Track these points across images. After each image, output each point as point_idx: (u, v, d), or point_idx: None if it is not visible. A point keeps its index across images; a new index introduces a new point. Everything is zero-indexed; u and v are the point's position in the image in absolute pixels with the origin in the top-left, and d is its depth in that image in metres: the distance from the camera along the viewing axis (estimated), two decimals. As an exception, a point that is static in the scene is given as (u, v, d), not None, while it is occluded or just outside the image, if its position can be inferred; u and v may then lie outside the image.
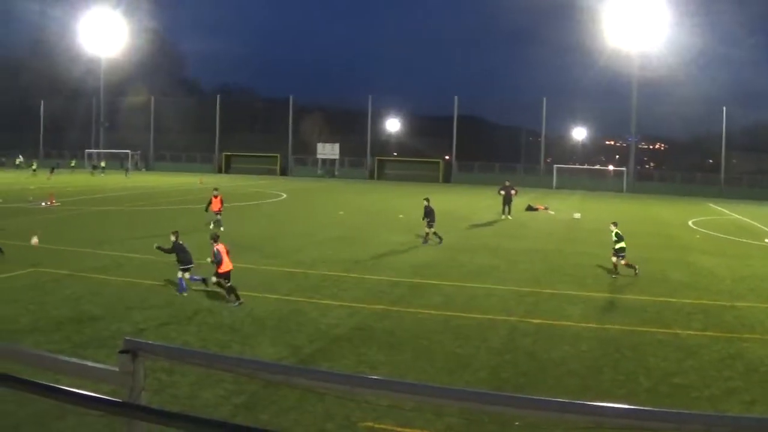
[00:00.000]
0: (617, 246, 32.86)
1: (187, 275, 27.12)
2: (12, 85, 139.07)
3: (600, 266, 35.47)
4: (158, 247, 28.19)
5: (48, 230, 40.75)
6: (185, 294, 26.50)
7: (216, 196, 44.89)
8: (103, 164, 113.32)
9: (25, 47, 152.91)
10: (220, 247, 25.75)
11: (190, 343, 20.23)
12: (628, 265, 33.04)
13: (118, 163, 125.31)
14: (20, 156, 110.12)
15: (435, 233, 41.47)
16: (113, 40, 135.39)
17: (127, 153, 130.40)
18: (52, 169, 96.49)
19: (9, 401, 14.10)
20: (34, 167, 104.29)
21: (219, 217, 44.45)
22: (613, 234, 33.19)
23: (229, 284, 25.51)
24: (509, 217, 57.33)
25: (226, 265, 25.67)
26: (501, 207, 58.59)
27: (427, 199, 43.04)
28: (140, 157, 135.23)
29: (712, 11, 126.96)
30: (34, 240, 35.47)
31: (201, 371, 14.88)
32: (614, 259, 32.98)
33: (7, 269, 27.50)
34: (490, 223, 54.40)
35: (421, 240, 41.75)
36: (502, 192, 58.71)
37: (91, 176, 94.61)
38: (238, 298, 25.15)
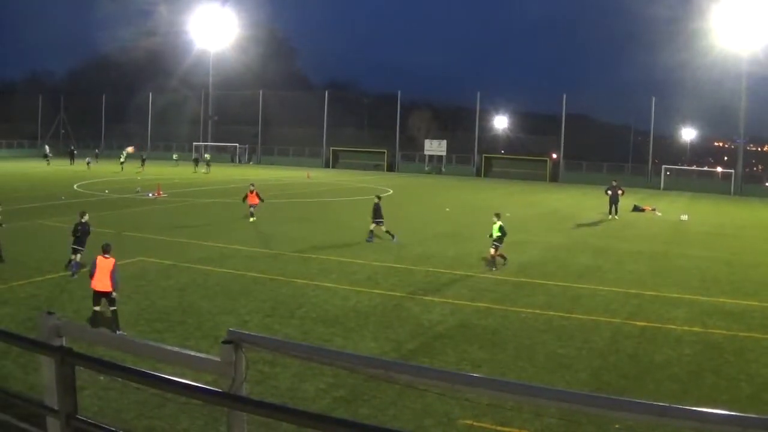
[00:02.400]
0: (495, 236, 32.90)
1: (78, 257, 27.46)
2: (122, 79, 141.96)
3: (706, 269, 34.94)
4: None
5: (154, 221, 41.51)
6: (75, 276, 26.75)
7: (252, 191, 46.14)
8: (207, 156, 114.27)
9: (137, 42, 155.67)
10: (100, 259, 20.94)
11: (292, 336, 20.42)
12: (501, 256, 33.08)
13: (227, 156, 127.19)
14: (125, 151, 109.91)
15: (387, 231, 40.33)
16: (223, 34, 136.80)
17: (235, 146, 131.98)
18: (142, 161, 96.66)
19: (112, 388, 14.42)
20: (175, 157, 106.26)
21: (252, 209, 45.57)
22: (496, 227, 33.06)
23: (94, 308, 21.03)
24: (616, 217, 56.71)
25: (95, 282, 20.85)
26: (608, 207, 57.98)
27: (378, 197, 42.26)
28: (248, 151, 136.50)
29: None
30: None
31: (302, 364, 15.01)
32: (492, 250, 32.91)
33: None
34: (596, 223, 53.86)
35: (375, 239, 41.19)
36: (609, 192, 58.07)
37: (193, 172, 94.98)
38: (115, 326, 20.44)
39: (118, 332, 19.41)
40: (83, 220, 28.35)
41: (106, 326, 19.74)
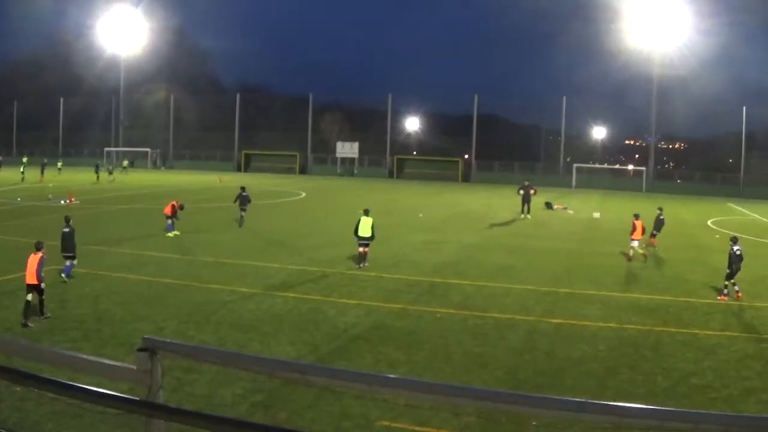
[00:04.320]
0: (365, 236, 33.16)
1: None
2: (32, 85, 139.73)
3: (619, 266, 35.45)
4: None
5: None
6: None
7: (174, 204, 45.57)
8: (125, 163, 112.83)
9: (46, 47, 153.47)
10: (31, 255, 22.89)
11: (208, 342, 20.30)
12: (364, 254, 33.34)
13: (144, 161, 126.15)
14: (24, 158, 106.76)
15: (242, 217, 46.10)
16: (133, 38, 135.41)
17: (147, 151, 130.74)
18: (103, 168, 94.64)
19: (29, 399, 14.17)
20: (59, 166, 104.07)
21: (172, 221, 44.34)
22: (368, 224, 33.34)
23: (27, 298, 22.40)
24: (528, 216, 57.26)
25: (28, 276, 22.55)
26: (520, 206, 58.52)
27: (243, 188, 47.65)
28: (159, 156, 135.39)
29: (732, 10, 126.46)
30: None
31: (219, 370, 14.89)
32: (361, 249, 33.24)
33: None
34: (509, 223, 54.35)
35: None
36: (521, 191, 58.68)
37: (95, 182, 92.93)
38: (40, 311, 22.53)
39: (42, 317, 22.35)
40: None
41: (35, 314, 22.20)
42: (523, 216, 57.57)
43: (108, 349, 19.06)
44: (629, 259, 37.39)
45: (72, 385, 5.60)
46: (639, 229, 37.35)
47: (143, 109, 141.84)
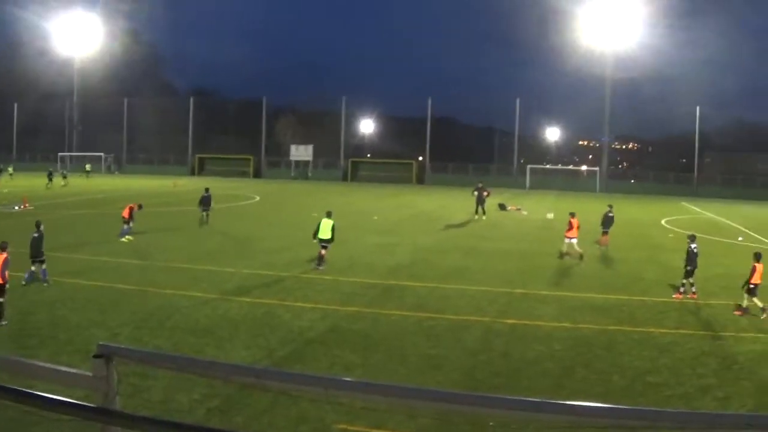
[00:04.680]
0: (325, 237, 33.84)
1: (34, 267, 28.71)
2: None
3: (573, 266, 35.66)
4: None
5: (19, 235, 40.55)
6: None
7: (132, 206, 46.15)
8: (88, 167, 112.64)
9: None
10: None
11: (164, 347, 20.16)
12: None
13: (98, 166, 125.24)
14: None
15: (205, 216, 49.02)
16: (87, 42, 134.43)
17: (100, 155, 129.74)
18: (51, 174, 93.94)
19: (-18, 408, 14.00)
20: (10, 171, 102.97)
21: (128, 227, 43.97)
22: (329, 226, 34.04)
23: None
24: (483, 217, 57.60)
25: None
26: (474, 208, 58.70)
27: (206, 189, 50.64)
28: (113, 160, 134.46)
29: (685, 12, 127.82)
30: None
31: (174, 375, 14.82)
32: (323, 251, 33.87)
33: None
34: (463, 224, 54.50)
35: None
36: (475, 193, 58.94)
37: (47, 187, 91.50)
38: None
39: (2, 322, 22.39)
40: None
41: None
42: (476, 217, 57.93)
43: (64, 356, 18.86)
44: (561, 255, 38.36)
45: (28, 393, 5.56)
46: (574, 227, 38.19)
47: (97, 114, 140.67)
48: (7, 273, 23.06)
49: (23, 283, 27.49)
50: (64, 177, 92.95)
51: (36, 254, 28.66)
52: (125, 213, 41.54)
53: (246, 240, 41.96)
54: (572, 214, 39.06)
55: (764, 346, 22.18)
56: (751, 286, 26.21)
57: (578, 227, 38.43)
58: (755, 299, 26.24)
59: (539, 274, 33.74)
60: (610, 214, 43.23)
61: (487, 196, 59.27)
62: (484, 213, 58.50)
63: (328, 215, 34.58)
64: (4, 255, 23.33)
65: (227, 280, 30.01)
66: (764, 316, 25.64)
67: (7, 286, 23.10)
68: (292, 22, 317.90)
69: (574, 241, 38.10)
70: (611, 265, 35.85)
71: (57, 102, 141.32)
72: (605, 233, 42.73)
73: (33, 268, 28.56)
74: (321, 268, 32.94)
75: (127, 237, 40.74)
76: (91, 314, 23.90)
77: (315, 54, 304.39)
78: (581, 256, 37.63)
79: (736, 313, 26.46)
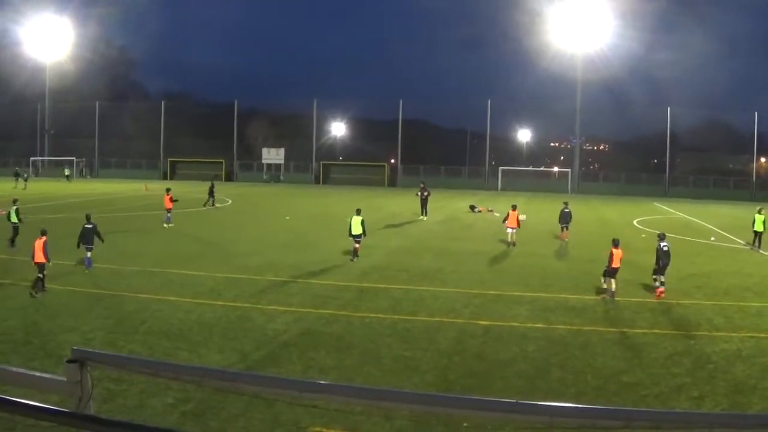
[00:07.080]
0: (354, 233, 36.90)
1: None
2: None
3: (547, 267, 35.79)
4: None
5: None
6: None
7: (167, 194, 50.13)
8: (66, 172, 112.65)
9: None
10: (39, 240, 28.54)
11: (137, 352, 20.08)
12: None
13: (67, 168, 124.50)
14: None
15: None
16: (59, 46, 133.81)
17: (72, 160, 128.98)
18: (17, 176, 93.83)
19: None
20: None
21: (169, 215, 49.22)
22: (358, 222, 36.91)
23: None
24: (424, 218, 59.29)
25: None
26: (419, 209, 60.74)
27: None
28: (85, 165, 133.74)
29: (654, 13, 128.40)
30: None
31: (148, 379, 14.76)
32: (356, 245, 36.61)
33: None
34: (436, 226, 54.56)
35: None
36: (420, 194, 60.28)
37: (13, 188, 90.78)
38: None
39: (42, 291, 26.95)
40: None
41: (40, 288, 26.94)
42: (421, 217, 59.14)
43: (37, 362, 18.78)
44: (508, 245, 42.32)
45: (1, 399, 5.53)
46: (513, 219, 43.06)
47: (68, 118, 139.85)
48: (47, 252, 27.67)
49: (86, 270, 32.20)
50: (25, 180, 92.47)
51: (88, 242, 33.00)
52: (167, 204, 48.51)
53: (219, 243, 41.88)
54: (513, 207, 43.51)
55: (737, 345, 22.29)
56: (612, 269, 28.60)
57: (517, 220, 43.25)
58: (612, 281, 28.53)
59: (512, 275, 33.84)
60: (566, 210, 46.31)
61: (428, 196, 60.63)
62: (426, 213, 60.10)
63: (358, 212, 37.91)
64: (44, 238, 28.21)
65: (201, 284, 29.93)
66: (603, 296, 28.38)
67: (50, 263, 27.88)
68: (263, 26, 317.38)
69: (512, 230, 42.88)
70: (584, 266, 35.92)
71: (29, 107, 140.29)
72: (564, 228, 45.87)
73: (89, 254, 32.75)
74: (354, 260, 36.24)
75: (168, 224, 47.98)
76: (64, 319, 23.79)
77: (286, 57, 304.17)
78: (514, 244, 42.18)
79: (600, 297, 28.65)
